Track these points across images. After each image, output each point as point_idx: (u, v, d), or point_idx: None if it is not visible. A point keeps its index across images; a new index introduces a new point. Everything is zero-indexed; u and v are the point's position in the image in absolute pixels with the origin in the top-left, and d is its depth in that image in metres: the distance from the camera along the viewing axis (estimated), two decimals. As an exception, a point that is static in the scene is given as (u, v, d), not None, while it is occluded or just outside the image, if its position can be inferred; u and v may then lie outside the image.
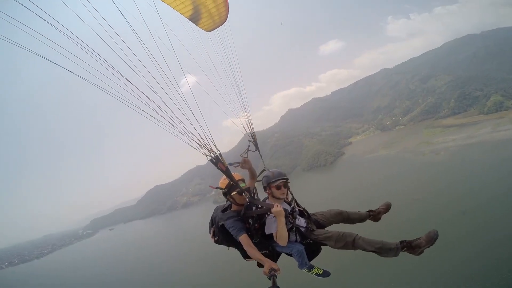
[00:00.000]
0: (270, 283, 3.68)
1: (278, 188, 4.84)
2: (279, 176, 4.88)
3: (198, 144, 4.64)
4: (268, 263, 3.95)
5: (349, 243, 4.36)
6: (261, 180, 5.19)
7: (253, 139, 6.07)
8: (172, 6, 5.10)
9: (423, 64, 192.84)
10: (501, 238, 37.42)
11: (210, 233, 5.17)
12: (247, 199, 4.75)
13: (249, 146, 5.83)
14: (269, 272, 3.78)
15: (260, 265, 4.46)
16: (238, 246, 4.73)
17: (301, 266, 4.75)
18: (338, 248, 4.51)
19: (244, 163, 5.32)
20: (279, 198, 4.87)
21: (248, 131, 6.00)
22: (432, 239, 4.06)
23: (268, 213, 4.59)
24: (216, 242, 5.08)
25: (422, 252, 4.14)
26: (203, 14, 5.55)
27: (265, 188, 5.03)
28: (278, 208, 4.41)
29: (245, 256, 4.81)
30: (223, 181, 4.87)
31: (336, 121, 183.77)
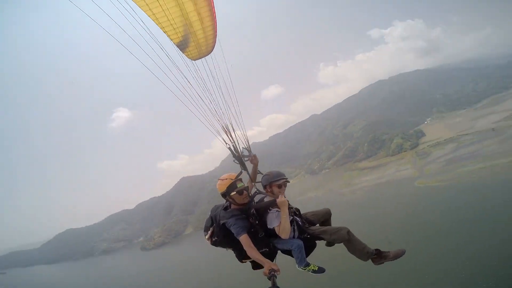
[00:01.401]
0: (270, 283, 3.75)
1: (279, 187, 5.06)
2: (280, 175, 5.13)
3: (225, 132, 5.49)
4: (268, 263, 4.01)
5: (344, 237, 4.65)
6: (259, 182, 5.39)
7: (248, 147, 6.00)
8: (164, 30, 5.29)
9: (345, 110, 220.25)
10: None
11: (207, 234, 5.10)
12: (248, 198, 4.96)
13: (242, 152, 5.85)
14: (269, 273, 3.84)
15: (255, 266, 4.82)
16: (237, 246, 4.69)
17: (300, 262, 4.75)
18: (332, 242, 4.86)
19: (254, 158, 5.72)
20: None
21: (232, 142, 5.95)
22: (398, 255, 4.50)
23: (270, 208, 4.77)
24: (214, 243, 5.01)
25: (382, 263, 4.58)
26: (191, 43, 5.69)
27: (265, 187, 5.21)
28: (283, 198, 4.64)
29: (242, 257, 4.90)
30: (222, 181, 4.95)
31: (273, 166, 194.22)
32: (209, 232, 5.09)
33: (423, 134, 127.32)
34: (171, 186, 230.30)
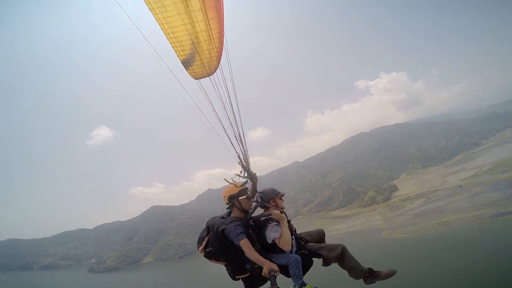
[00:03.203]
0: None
1: (280, 199, 5.27)
2: (278, 190, 5.34)
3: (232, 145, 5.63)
4: (267, 264, 3.98)
5: (340, 253, 4.80)
6: (255, 201, 5.33)
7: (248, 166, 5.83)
8: (172, 44, 5.43)
9: (326, 160, 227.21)
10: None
11: (200, 245, 4.90)
12: (251, 207, 5.06)
13: (242, 173, 5.76)
14: (269, 273, 3.83)
15: (248, 286, 4.82)
16: (232, 259, 4.65)
17: (297, 280, 4.61)
18: (329, 259, 4.91)
19: (254, 177, 5.72)
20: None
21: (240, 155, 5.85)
22: (389, 275, 4.63)
23: (270, 221, 4.83)
24: (207, 255, 4.83)
25: (373, 282, 4.70)
26: (196, 62, 5.79)
27: (268, 201, 5.19)
28: (279, 213, 4.77)
29: (236, 273, 4.77)
30: (235, 184, 5.12)
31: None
32: (203, 242, 4.88)
33: (396, 189, 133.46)
34: (140, 213, 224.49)
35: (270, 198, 5.17)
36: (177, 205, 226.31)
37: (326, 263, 5.09)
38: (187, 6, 5.04)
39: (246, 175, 5.67)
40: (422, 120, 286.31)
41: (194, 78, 5.97)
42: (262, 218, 4.92)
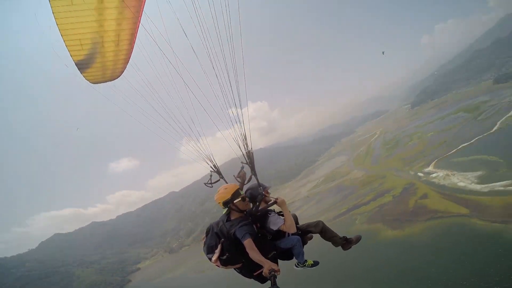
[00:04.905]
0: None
1: (267, 193, 5.47)
2: (264, 184, 5.55)
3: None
4: (268, 264, 4.00)
5: (322, 227, 5.39)
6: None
7: (250, 160, 5.73)
8: (67, 43, 4.60)
9: (202, 186, 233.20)
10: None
11: (212, 255, 4.74)
12: (249, 206, 5.09)
13: (242, 167, 5.79)
14: (269, 273, 3.84)
15: (263, 280, 4.82)
16: (248, 257, 4.43)
17: (301, 258, 5.10)
18: (314, 233, 5.48)
19: (243, 175, 5.88)
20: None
21: (243, 150, 5.71)
22: (358, 239, 5.41)
23: (269, 213, 5.14)
24: (225, 262, 4.70)
25: (349, 248, 5.41)
26: (95, 65, 5.08)
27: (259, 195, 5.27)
28: (281, 197, 5.09)
29: (253, 270, 4.79)
30: (227, 189, 4.99)
31: (122, 247, 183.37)
32: (216, 251, 4.69)
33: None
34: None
35: (261, 192, 5.44)
36: (8, 256, 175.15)
37: (307, 240, 5.77)
38: (101, 2, 4.48)
39: (240, 173, 5.92)
40: (278, 144, 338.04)
41: (91, 82, 5.41)
42: (260, 212, 5.14)
